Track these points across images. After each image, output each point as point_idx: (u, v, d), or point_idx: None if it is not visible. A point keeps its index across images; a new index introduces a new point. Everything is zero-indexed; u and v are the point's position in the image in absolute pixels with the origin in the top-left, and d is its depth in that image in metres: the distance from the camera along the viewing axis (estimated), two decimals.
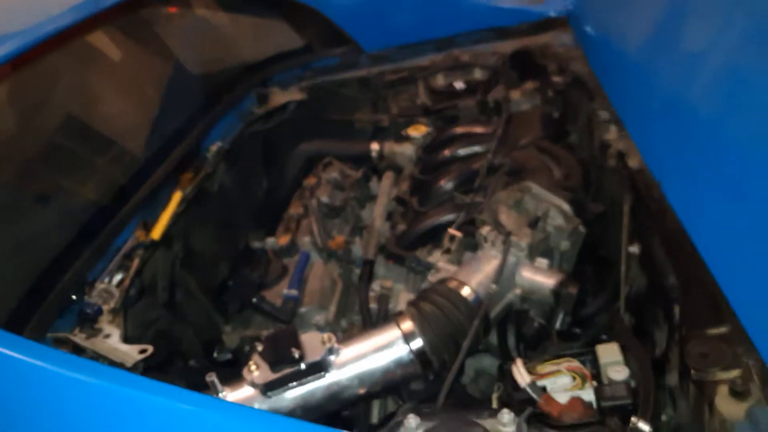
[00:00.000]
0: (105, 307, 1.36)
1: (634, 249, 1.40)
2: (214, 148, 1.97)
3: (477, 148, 1.94)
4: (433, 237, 1.71)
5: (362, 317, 1.57)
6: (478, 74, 2.39)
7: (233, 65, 2.42)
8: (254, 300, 1.56)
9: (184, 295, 1.76)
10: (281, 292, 1.64)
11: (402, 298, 1.66)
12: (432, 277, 1.47)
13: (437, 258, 1.55)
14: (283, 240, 1.81)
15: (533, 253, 1.44)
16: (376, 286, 1.69)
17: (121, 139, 1.74)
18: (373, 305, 1.64)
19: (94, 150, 1.66)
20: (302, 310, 1.61)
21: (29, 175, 1.48)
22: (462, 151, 1.95)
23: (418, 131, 2.22)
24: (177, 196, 1.70)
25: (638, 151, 1.48)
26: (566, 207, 1.49)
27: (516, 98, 2.20)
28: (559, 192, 1.52)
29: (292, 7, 2.49)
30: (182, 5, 2.38)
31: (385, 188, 2.08)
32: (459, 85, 2.36)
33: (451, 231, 1.57)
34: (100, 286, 1.39)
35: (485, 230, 1.49)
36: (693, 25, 1.50)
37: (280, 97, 2.39)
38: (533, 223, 1.43)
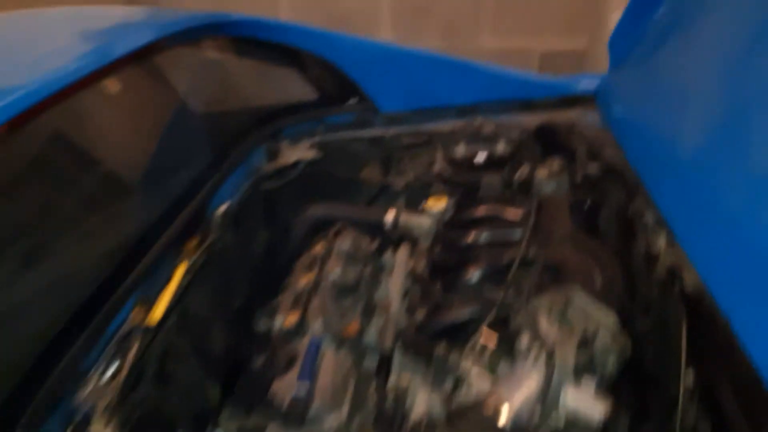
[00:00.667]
0: (99, 405, 1.18)
1: (689, 378, 1.28)
2: (221, 209, 1.81)
3: (505, 235, 1.82)
4: (455, 330, 1.57)
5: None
6: (501, 147, 2.29)
7: (243, 115, 2.28)
8: (262, 407, 1.39)
9: (175, 362, 1.58)
10: (290, 382, 1.47)
11: (421, 397, 1.51)
12: (465, 392, 1.33)
13: (468, 365, 1.41)
14: (291, 319, 1.65)
15: (578, 373, 1.31)
16: (391, 380, 1.54)
17: (119, 203, 1.56)
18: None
19: (88, 215, 1.48)
20: (313, 409, 1.44)
21: (13, 245, 1.29)
22: (488, 236, 1.84)
23: (437, 204, 2.10)
24: (181, 269, 1.53)
25: (695, 271, 1.37)
26: (614, 323, 1.37)
27: (542, 177, 2.11)
28: (605, 304, 1.41)
29: (307, 58, 2.37)
30: (190, 50, 2.23)
31: (401, 264, 1.94)
32: (480, 157, 2.26)
33: (486, 334, 1.43)
34: (93, 379, 1.21)
35: (525, 340, 1.36)
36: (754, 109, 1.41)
37: (290, 152, 2.25)
38: (584, 344, 1.30)
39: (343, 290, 1.74)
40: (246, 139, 2.21)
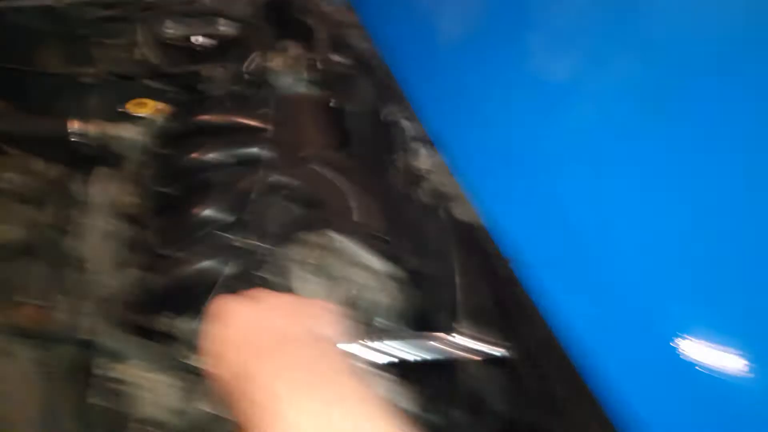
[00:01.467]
0: None
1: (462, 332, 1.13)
2: None
3: (239, 151, 1.42)
4: (185, 294, 1.20)
5: None
6: (222, 27, 1.80)
7: None
8: None
9: None
10: None
11: (146, 388, 1.14)
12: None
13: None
14: None
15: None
16: (99, 371, 1.13)
17: None
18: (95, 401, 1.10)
19: None
20: None
21: None
22: (219, 154, 1.42)
23: (144, 108, 1.58)
24: None
25: (464, 197, 1.19)
26: (380, 267, 1.14)
27: (277, 68, 1.71)
28: (369, 244, 1.16)
29: None
30: None
31: (98, 197, 1.43)
32: (199, 39, 1.75)
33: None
34: None
35: None
36: None
37: None
38: (349, 305, 1.04)
39: (9, 253, 1.19)
40: None
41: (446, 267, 1.21)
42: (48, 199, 1.35)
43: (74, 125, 1.53)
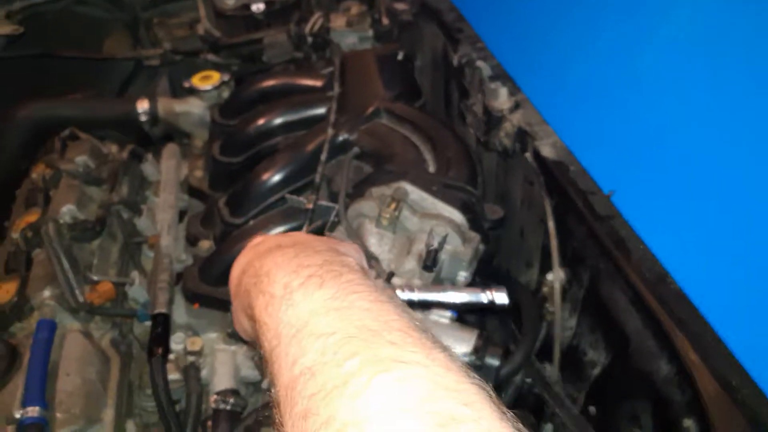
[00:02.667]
0: None
1: (557, 276, 0.99)
2: None
3: (305, 113, 1.35)
4: None
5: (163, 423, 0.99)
6: None
7: None
8: None
9: None
10: (10, 403, 0.95)
11: (220, 360, 1.10)
12: None
13: None
14: (3, 296, 1.08)
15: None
16: (177, 346, 1.09)
17: None
18: (174, 376, 1.06)
19: None
20: None
21: None
22: (283, 119, 1.35)
23: (208, 81, 1.54)
24: None
25: (553, 131, 1.04)
26: (461, 219, 1.02)
27: (340, 28, 1.63)
28: (447, 195, 1.04)
29: None
30: None
31: (169, 175, 1.40)
32: (258, 6, 1.68)
33: None
34: None
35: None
36: None
37: None
38: (430, 263, 0.93)
39: (84, 233, 1.18)
40: None
41: (534, 212, 1.08)
42: (120, 180, 1.34)
43: (143, 105, 1.52)
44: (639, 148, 0.90)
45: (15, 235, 1.19)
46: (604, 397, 0.94)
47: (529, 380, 0.99)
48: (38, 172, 1.36)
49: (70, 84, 1.71)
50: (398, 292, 0.81)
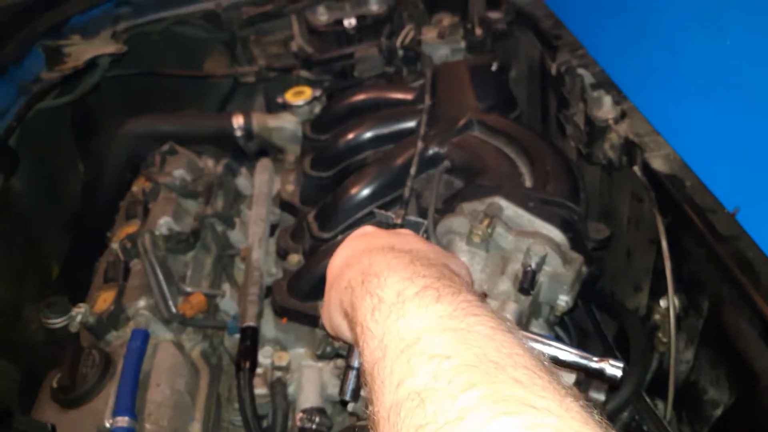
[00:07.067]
0: None
1: (672, 303, 0.89)
2: None
3: (395, 127, 1.32)
4: None
5: None
6: (374, 7, 1.73)
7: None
8: None
9: None
10: (102, 411, 0.96)
11: (307, 377, 1.08)
12: None
13: None
14: (101, 304, 1.12)
15: (522, 321, 0.89)
16: (264, 360, 1.08)
17: None
18: (261, 391, 1.05)
19: None
20: None
21: None
22: (373, 133, 1.33)
23: (301, 96, 1.55)
24: None
25: (665, 142, 0.95)
26: (561, 238, 0.94)
27: (432, 41, 1.59)
28: (545, 212, 0.97)
29: None
30: None
31: (262, 189, 1.42)
32: (350, 21, 1.69)
33: None
34: None
35: None
36: None
37: (82, 50, 1.57)
38: (528, 285, 0.86)
39: (179, 245, 1.20)
40: (11, 38, 1.51)
41: (644, 231, 0.98)
42: (215, 193, 1.37)
43: (239, 121, 1.55)
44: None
45: (114, 245, 1.23)
46: None
47: (637, 417, 0.90)
48: (139, 184, 1.41)
49: (172, 102, 1.79)
50: None
